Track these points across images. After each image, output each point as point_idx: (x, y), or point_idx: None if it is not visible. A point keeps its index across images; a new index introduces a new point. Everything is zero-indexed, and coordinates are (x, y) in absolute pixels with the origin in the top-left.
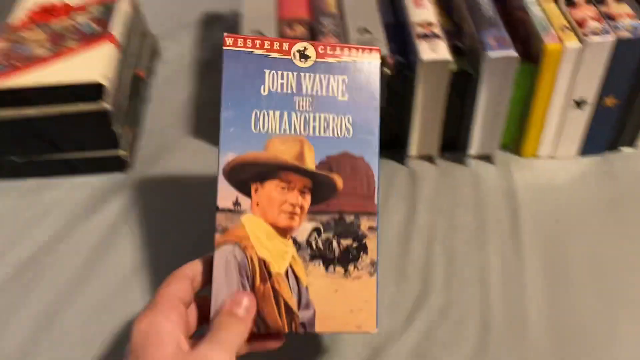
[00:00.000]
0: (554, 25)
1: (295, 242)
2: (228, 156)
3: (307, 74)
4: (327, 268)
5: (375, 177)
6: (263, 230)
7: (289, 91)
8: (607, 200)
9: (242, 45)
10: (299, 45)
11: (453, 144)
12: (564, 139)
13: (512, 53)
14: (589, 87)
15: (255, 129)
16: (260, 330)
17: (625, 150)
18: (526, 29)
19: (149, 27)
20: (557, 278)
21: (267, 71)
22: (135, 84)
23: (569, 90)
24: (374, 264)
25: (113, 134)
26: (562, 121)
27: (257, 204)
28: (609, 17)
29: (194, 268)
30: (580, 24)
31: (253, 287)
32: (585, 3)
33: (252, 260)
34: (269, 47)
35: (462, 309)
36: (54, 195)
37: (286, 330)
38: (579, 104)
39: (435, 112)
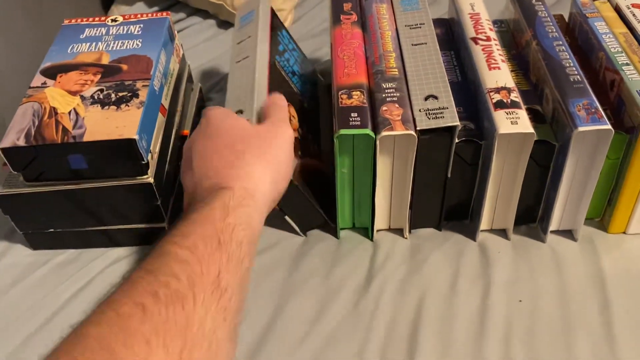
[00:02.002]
0: None
1: (82, 97)
2: (47, 64)
3: (115, 27)
4: (102, 107)
5: (154, 63)
6: (58, 93)
7: (100, 34)
8: None
9: (75, 21)
10: (111, 17)
11: (528, 216)
12: None
13: (606, 126)
14: None
15: (69, 51)
16: (44, 142)
17: None
18: (618, 92)
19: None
20: None
21: (87, 29)
22: (181, 145)
23: None
24: (142, 103)
25: (158, 207)
26: None
27: (59, 82)
28: None
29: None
30: None
31: (41, 122)
32: None
33: (45, 108)
34: (92, 20)
35: None
36: (95, 265)
37: (59, 141)
38: None
39: (512, 184)
